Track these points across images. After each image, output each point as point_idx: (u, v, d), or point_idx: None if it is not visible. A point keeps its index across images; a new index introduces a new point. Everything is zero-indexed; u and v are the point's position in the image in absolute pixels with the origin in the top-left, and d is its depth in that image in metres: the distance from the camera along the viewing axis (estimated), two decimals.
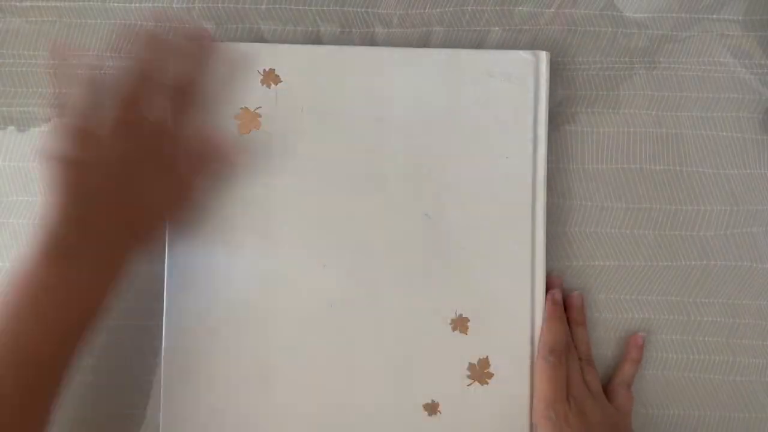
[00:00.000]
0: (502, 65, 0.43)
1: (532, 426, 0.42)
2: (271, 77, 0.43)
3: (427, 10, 0.45)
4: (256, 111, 0.42)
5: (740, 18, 0.46)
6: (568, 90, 0.45)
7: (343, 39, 0.45)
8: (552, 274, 0.44)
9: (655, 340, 0.45)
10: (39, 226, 0.36)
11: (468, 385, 0.42)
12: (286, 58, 0.43)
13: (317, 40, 0.45)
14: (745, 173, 0.45)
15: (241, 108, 0.42)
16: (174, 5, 0.45)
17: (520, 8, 0.45)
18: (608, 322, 0.45)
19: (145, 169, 0.39)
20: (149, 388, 0.44)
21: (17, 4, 0.45)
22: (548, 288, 0.43)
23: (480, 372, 0.42)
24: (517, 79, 0.43)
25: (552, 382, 0.41)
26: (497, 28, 0.45)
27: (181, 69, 0.40)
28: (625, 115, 0.45)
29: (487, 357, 0.42)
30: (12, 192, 0.44)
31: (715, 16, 0.46)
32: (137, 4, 0.45)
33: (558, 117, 0.45)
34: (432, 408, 0.42)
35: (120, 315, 0.44)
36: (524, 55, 0.43)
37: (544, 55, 0.43)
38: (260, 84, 0.42)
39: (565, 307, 0.43)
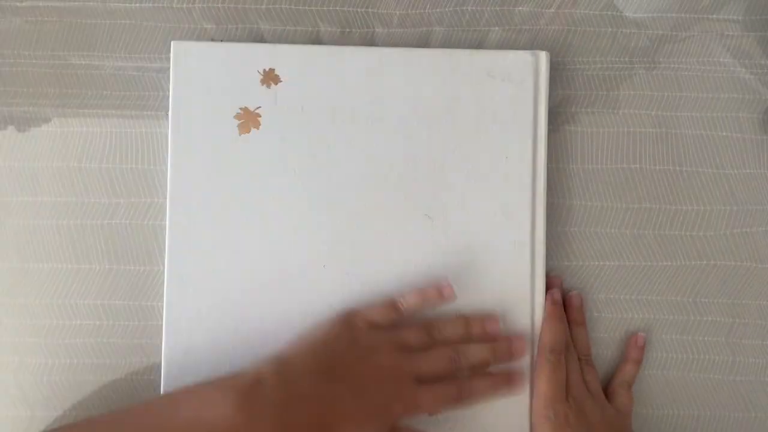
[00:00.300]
0: (502, 65, 0.43)
1: (531, 426, 0.42)
2: (271, 77, 0.43)
3: (427, 10, 0.45)
4: (256, 111, 0.42)
5: (740, 18, 0.46)
6: (568, 90, 0.45)
7: (343, 39, 0.45)
8: (552, 274, 0.44)
9: (655, 340, 0.45)
10: (262, 360, 0.37)
11: None
12: (286, 58, 0.43)
13: (317, 40, 0.45)
14: (745, 173, 0.45)
15: (241, 108, 0.42)
16: (174, 5, 0.45)
17: (520, 8, 0.45)
18: (608, 322, 0.45)
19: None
20: (149, 388, 0.44)
21: (17, 4, 0.45)
22: (548, 288, 0.43)
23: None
24: (517, 79, 0.43)
25: (551, 381, 0.41)
26: (497, 29, 0.45)
27: None
28: (625, 115, 0.45)
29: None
30: (12, 192, 0.44)
31: (715, 16, 0.46)
32: (137, 5, 0.45)
33: (558, 117, 0.45)
34: None
35: (120, 315, 0.44)
36: (524, 55, 0.43)
37: (543, 56, 0.43)
38: (260, 84, 0.42)
39: (565, 307, 0.43)
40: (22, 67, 0.45)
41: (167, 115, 0.43)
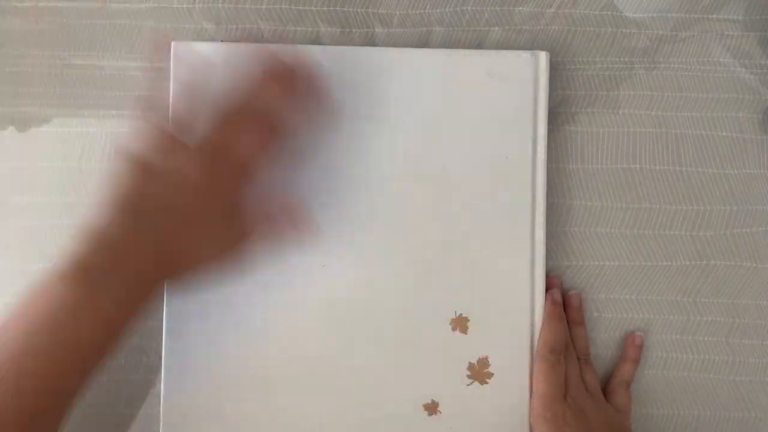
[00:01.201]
0: (502, 65, 0.43)
1: (530, 426, 0.42)
2: None
3: (427, 10, 0.45)
4: None
5: (740, 18, 0.46)
6: (568, 90, 0.45)
7: (343, 39, 0.45)
8: (551, 274, 0.44)
9: (655, 340, 0.45)
10: (73, 236, 0.33)
11: (468, 385, 0.42)
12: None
13: (317, 40, 0.45)
14: (745, 173, 0.45)
15: None
16: (174, 5, 0.45)
17: (520, 8, 0.45)
18: (608, 322, 0.45)
19: (212, 202, 0.36)
20: (149, 388, 0.44)
21: (17, 4, 0.45)
22: (548, 288, 0.43)
23: (480, 371, 0.42)
24: (517, 80, 0.43)
25: (550, 381, 0.41)
26: (497, 28, 0.45)
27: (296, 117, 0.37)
28: (625, 115, 0.45)
29: (486, 357, 0.42)
30: (12, 192, 0.44)
31: (715, 16, 0.46)
32: (137, 5, 0.45)
33: (558, 117, 0.45)
34: (432, 408, 0.42)
35: None
36: (524, 55, 0.43)
37: (543, 56, 0.43)
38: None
39: (564, 307, 0.43)
40: (22, 67, 0.45)
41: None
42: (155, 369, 0.44)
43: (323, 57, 0.43)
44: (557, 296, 0.43)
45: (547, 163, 0.43)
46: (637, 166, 0.45)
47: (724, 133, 0.45)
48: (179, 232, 0.35)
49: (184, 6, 0.45)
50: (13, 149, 0.44)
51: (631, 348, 0.44)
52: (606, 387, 0.44)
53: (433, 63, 0.43)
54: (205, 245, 0.36)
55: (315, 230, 0.40)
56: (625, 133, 0.45)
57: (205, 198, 0.36)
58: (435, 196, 0.43)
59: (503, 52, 0.43)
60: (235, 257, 0.38)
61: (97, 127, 0.44)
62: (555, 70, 0.45)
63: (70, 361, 0.33)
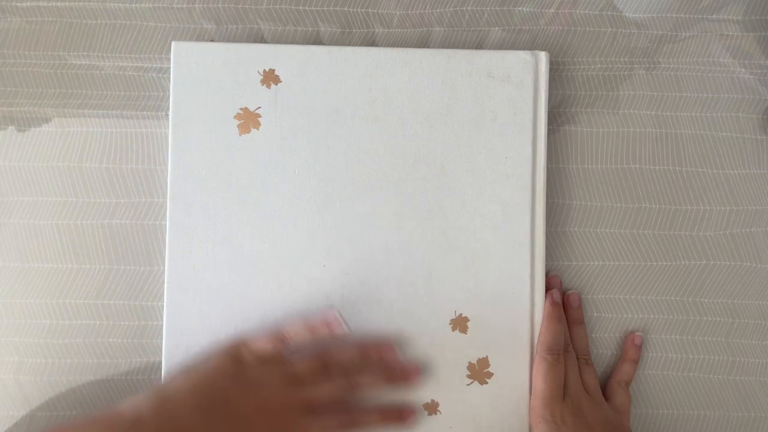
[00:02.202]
0: (501, 66, 0.43)
1: (530, 426, 0.42)
2: (271, 77, 0.43)
3: (427, 10, 0.45)
4: (256, 111, 0.42)
5: (740, 18, 0.46)
6: (568, 90, 0.45)
7: (343, 39, 0.45)
8: (551, 274, 0.44)
9: (655, 340, 0.45)
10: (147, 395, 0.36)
11: (468, 385, 0.42)
12: (286, 58, 0.43)
13: (317, 40, 0.45)
14: (745, 173, 0.45)
15: (241, 108, 0.42)
16: (174, 5, 0.45)
17: (520, 8, 0.45)
18: (607, 321, 0.45)
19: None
20: (149, 388, 0.44)
21: (17, 4, 0.45)
22: (548, 288, 0.43)
23: (480, 372, 0.42)
24: (517, 80, 0.43)
25: (549, 381, 0.41)
26: (497, 29, 0.45)
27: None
28: (624, 115, 0.45)
29: (486, 357, 0.42)
30: (12, 192, 0.44)
31: (714, 16, 0.46)
32: (137, 5, 0.45)
33: (558, 117, 0.45)
34: (432, 407, 0.42)
35: (120, 315, 0.44)
36: (524, 55, 0.43)
37: (543, 56, 0.43)
38: (260, 84, 0.42)
39: (564, 307, 0.43)
40: (22, 67, 0.45)
41: (167, 115, 0.43)
42: (155, 369, 0.44)
43: (323, 57, 0.43)
44: (557, 296, 0.43)
45: (547, 163, 0.43)
46: (637, 166, 0.45)
47: (724, 133, 0.45)
48: None
49: (184, 6, 0.45)
50: (13, 149, 0.44)
51: (631, 348, 0.44)
52: (605, 387, 0.44)
53: (433, 63, 0.43)
54: None
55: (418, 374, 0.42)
56: (625, 133, 0.45)
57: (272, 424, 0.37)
58: (435, 196, 0.43)
59: (503, 53, 0.43)
60: None
61: (97, 127, 0.44)
62: (555, 70, 0.45)
63: None
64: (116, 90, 0.45)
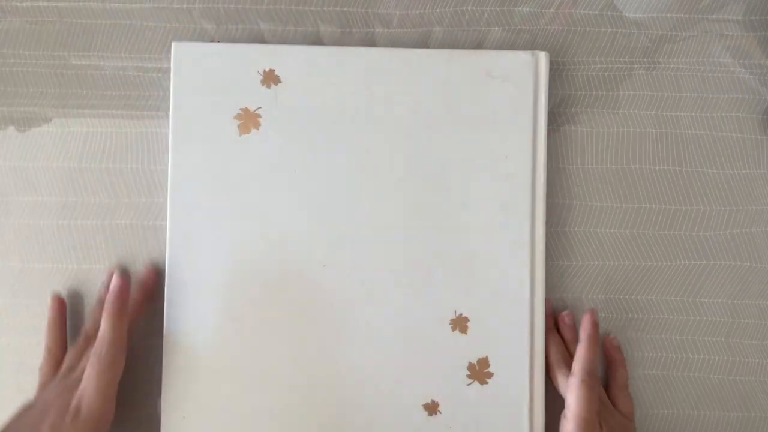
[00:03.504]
0: (501, 66, 0.43)
1: (531, 429, 0.42)
2: (271, 77, 0.43)
3: (427, 10, 0.45)
4: (256, 111, 0.42)
5: (740, 18, 0.46)
6: (568, 90, 0.45)
7: (343, 39, 0.45)
8: (564, 312, 0.44)
9: (655, 340, 0.45)
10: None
11: (468, 385, 0.42)
12: (286, 58, 0.43)
13: (317, 40, 0.45)
14: (745, 173, 0.45)
15: (241, 108, 0.42)
16: (174, 5, 0.45)
17: (520, 8, 0.45)
18: (607, 322, 0.45)
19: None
20: (149, 388, 0.44)
21: (17, 4, 0.45)
22: (555, 323, 0.44)
23: (480, 372, 0.42)
24: (517, 80, 0.43)
25: (589, 405, 0.39)
26: (497, 29, 0.45)
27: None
28: (624, 115, 0.45)
29: (486, 357, 0.42)
30: (12, 192, 0.44)
31: (714, 16, 0.46)
32: (137, 5, 0.45)
33: (558, 117, 0.45)
34: (432, 408, 0.42)
35: None
36: (524, 55, 0.43)
37: (543, 56, 0.43)
38: (260, 84, 0.42)
39: (565, 323, 0.44)
40: (22, 67, 0.45)
41: (167, 115, 0.43)
42: (155, 369, 0.44)
43: (323, 57, 0.43)
44: (596, 318, 0.42)
45: (547, 163, 0.43)
46: (637, 166, 0.45)
47: (724, 133, 0.45)
48: None
49: (184, 6, 0.45)
50: (13, 149, 0.44)
51: (615, 352, 0.44)
52: (609, 395, 0.43)
53: (433, 63, 0.43)
54: None
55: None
56: (625, 133, 0.45)
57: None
58: (435, 195, 0.43)
59: (503, 53, 0.43)
60: None
61: (97, 127, 0.44)
62: (555, 70, 0.45)
63: None
64: (116, 90, 0.45)
